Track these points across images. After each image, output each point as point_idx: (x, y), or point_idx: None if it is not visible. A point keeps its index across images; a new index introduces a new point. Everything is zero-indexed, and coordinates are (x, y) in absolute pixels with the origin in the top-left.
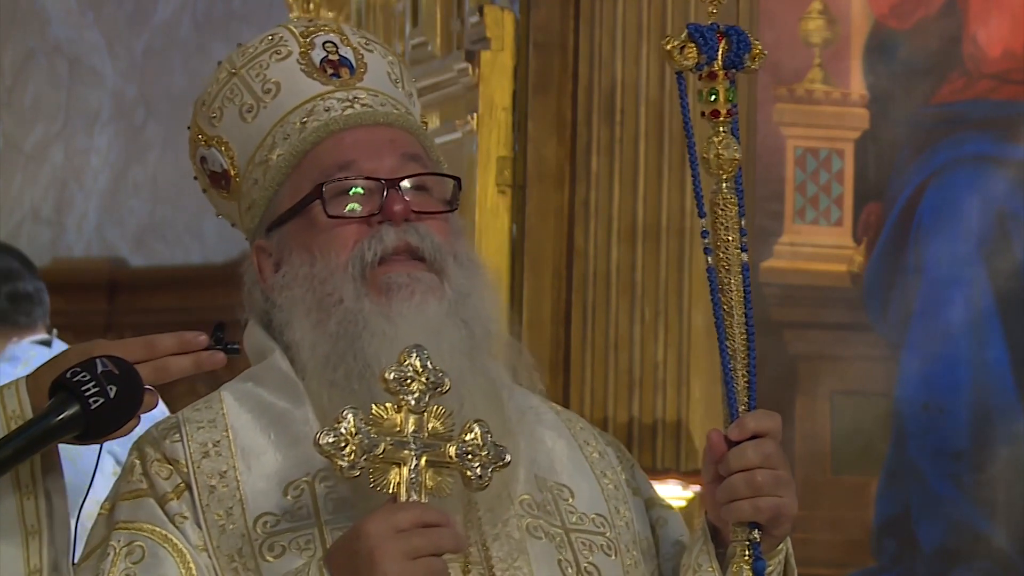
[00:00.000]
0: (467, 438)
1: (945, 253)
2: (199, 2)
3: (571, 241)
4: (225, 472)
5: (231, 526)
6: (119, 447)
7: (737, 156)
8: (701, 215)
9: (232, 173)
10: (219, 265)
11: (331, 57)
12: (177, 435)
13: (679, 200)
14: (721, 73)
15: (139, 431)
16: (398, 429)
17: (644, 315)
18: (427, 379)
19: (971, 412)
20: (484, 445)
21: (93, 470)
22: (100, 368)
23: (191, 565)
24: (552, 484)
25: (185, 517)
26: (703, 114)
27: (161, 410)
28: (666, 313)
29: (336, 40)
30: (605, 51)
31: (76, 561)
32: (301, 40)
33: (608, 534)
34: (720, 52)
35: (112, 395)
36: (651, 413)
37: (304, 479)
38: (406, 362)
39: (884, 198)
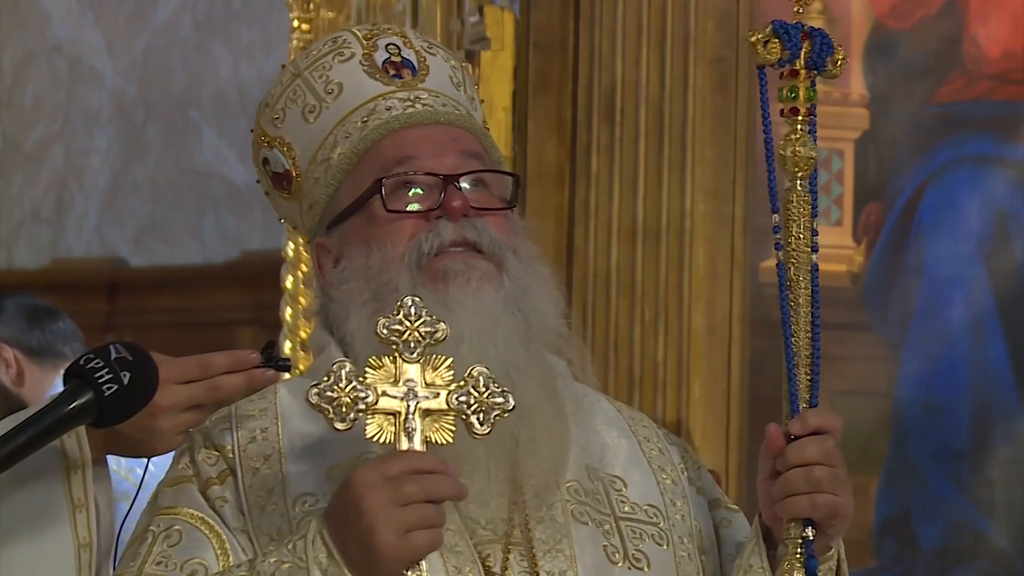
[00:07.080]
0: (466, 386)
1: (945, 253)
2: (199, 2)
3: (571, 241)
4: (269, 456)
5: (271, 506)
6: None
7: (814, 155)
8: (774, 210)
9: (294, 173)
10: (219, 265)
11: (393, 59)
12: (227, 424)
13: (679, 200)
14: (803, 72)
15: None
16: (393, 380)
17: (644, 315)
18: (422, 329)
19: (971, 412)
20: (486, 392)
21: (138, 487)
22: (114, 355)
23: (227, 547)
24: (605, 475)
25: (226, 500)
26: (782, 112)
27: None
28: (666, 313)
29: (399, 43)
30: (605, 51)
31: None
32: (364, 42)
33: (661, 525)
34: (803, 52)
35: (126, 381)
36: (651, 413)
37: (347, 462)
38: (400, 312)
39: (884, 198)
